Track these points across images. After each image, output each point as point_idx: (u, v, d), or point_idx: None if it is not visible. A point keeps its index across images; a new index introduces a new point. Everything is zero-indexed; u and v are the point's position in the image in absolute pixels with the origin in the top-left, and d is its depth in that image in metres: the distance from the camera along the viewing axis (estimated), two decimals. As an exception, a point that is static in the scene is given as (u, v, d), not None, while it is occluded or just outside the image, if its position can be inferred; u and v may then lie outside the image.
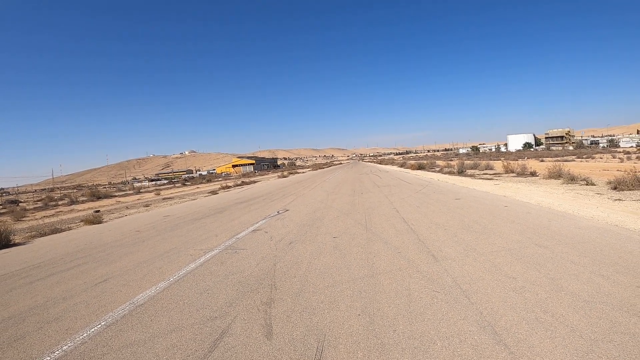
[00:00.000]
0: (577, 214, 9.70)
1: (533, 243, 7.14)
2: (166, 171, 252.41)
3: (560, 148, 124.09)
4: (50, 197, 62.52)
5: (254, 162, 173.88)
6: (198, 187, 55.60)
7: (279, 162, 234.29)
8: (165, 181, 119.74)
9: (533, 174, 22.70)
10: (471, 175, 26.56)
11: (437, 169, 39.83)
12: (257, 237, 9.95)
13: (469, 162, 40.25)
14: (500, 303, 4.52)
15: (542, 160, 44.57)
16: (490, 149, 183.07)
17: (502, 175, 24.96)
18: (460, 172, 30.03)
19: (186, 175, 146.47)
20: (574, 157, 56.00)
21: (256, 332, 4.34)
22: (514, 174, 24.33)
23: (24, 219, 26.32)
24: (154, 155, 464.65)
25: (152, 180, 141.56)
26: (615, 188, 13.38)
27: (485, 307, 4.43)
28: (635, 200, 10.74)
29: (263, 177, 73.61)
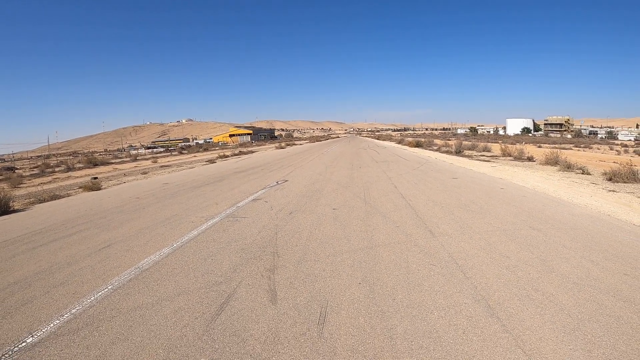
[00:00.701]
0: (572, 201, 9.90)
1: (527, 225, 7.35)
2: (163, 139, 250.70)
3: (559, 135, 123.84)
4: (46, 164, 62.12)
5: (251, 132, 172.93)
6: (195, 156, 55.52)
7: (276, 133, 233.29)
8: (162, 149, 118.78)
9: (530, 159, 22.84)
10: (468, 156, 26.71)
11: (435, 147, 39.96)
12: (258, 206, 10.14)
13: (467, 142, 40.32)
14: (494, 279, 4.74)
15: (539, 146, 44.52)
16: (489, 131, 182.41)
17: (500, 158, 25.11)
18: (458, 152, 30.18)
19: (183, 144, 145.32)
20: (571, 145, 56.05)
21: (261, 297, 4.55)
22: (511, 158, 24.45)
23: (21, 185, 26.06)
24: (150, 122, 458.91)
25: (149, 148, 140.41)
26: (610, 179, 13.54)
27: (479, 282, 4.66)
28: (628, 193, 10.90)
29: (260, 147, 73.56)
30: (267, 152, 50.68)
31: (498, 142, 51.63)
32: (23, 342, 3.87)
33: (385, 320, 3.87)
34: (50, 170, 46.41)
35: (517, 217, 8.05)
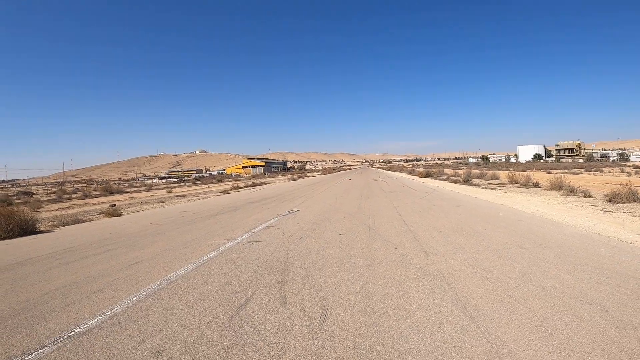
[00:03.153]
0: (566, 222, 10.52)
1: (516, 245, 8.03)
2: (176, 169, 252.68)
3: (570, 160, 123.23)
4: (63, 190, 63.54)
5: (263, 164, 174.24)
6: (209, 187, 56.43)
7: (288, 165, 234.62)
8: (176, 179, 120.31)
9: (536, 185, 23.36)
10: (476, 185, 27.25)
11: (445, 177, 40.50)
12: (271, 232, 10.94)
13: (475, 171, 40.99)
14: (474, 288, 5.45)
15: (549, 172, 44.89)
16: (500, 159, 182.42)
17: (506, 185, 25.61)
18: (466, 181, 30.73)
19: (196, 175, 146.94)
20: (582, 169, 56.12)
21: (273, 302, 5.37)
22: (517, 185, 24.95)
23: (40, 209, 26.92)
24: (164, 153, 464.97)
25: (162, 178, 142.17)
26: (610, 201, 13.99)
27: (461, 291, 5.38)
28: (625, 213, 11.45)
29: (273, 179, 74.41)
30: (279, 183, 51.55)
31: (509, 170, 52.01)
32: (72, 332, 4.72)
33: (375, 318, 4.63)
34: (67, 196, 47.49)
35: (509, 238, 8.71)
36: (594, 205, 13.42)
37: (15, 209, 15.40)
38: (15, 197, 46.01)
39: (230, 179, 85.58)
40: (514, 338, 3.99)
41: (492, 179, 32.04)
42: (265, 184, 51.64)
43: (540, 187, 22.46)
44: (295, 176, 72.10)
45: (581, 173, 45.12)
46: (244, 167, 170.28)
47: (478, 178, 33.83)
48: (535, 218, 11.50)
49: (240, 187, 42.36)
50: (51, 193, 60.06)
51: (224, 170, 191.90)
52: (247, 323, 4.72)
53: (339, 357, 3.81)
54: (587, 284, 5.47)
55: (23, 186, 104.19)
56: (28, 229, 13.86)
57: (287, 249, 8.73)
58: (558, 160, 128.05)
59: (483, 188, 24.06)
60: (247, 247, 9.12)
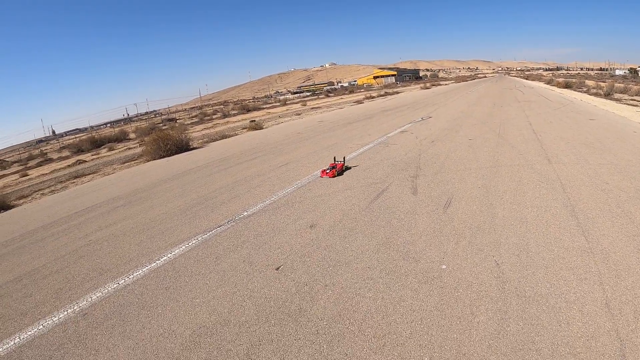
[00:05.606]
0: None
1: (641, 163, 7.87)
2: (307, 84, 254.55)
3: None
4: (203, 113, 67.76)
5: (395, 73, 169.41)
6: (342, 98, 57.18)
7: (420, 74, 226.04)
8: (308, 93, 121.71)
9: None
10: (617, 100, 25.11)
11: (585, 89, 37.65)
12: (405, 137, 11.86)
13: (619, 85, 37.20)
14: (586, 196, 5.87)
15: None
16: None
17: None
18: (607, 95, 28.32)
19: (328, 87, 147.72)
20: None
21: (406, 191, 6.45)
22: None
23: (186, 132, 29.55)
24: (295, 69, 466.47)
25: (295, 93, 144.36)
26: None
27: (573, 196, 5.85)
28: None
29: (405, 88, 73.36)
30: (412, 92, 51.19)
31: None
32: (241, 215, 6.30)
33: (492, 209, 5.46)
34: (208, 118, 50.62)
35: (635, 157, 8.37)
36: None
37: (171, 131, 17.61)
38: (161, 125, 49.48)
39: (362, 90, 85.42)
40: (610, 241, 4.44)
41: (636, 95, 29.45)
42: (398, 93, 51.48)
43: (694, 108, 20.41)
44: (427, 85, 70.42)
45: None
46: (375, 78, 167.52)
47: (621, 92, 31.12)
48: (677, 141, 10.65)
49: (373, 97, 42.78)
50: (193, 117, 64.07)
51: (355, 81, 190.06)
52: (383, 206, 5.85)
53: (456, 234, 4.74)
54: None
55: (165, 114, 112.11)
56: (183, 147, 16.05)
57: (419, 150, 9.64)
58: None
59: (624, 104, 21.98)
60: (383, 148, 10.16)
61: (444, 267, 4.08)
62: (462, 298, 3.55)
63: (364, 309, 3.52)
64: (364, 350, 3.03)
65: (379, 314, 3.45)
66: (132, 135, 37.49)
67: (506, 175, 7.10)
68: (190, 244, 5.34)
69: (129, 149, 22.87)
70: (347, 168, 8.57)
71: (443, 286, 3.75)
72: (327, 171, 8.08)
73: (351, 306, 3.59)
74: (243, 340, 3.24)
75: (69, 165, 22.48)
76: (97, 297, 4.23)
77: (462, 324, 3.22)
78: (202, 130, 29.27)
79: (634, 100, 25.41)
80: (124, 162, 15.65)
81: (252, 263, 4.56)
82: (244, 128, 21.57)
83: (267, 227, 5.57)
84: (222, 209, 6.73)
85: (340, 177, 7.83)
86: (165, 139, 15.75)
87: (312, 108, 35.31)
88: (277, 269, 4.34)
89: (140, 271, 4.72)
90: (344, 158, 8.78)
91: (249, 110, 51.49)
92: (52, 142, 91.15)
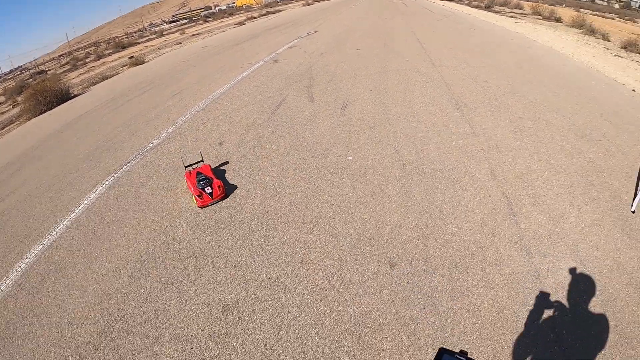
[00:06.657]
0: (572, 57, 10.88)
1: (516, 66, 8.80)
2: (183, 11, 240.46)
3: (605, 4, 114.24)
4: (75, 58, 61.57)
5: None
6: (222, 22, 54.52)
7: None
8: (185, 20, 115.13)
9: (558, 19, 22.63)
10: (497, 12, 26.45)
11: (467, 1, 39.32)
12: (293, 52, 11.83)
13: (499, -2, 39.54)
14: (468, 92, 6.54)
15: (578, 11, 42.56)
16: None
17: (529, 16, 24.61)
18: (487, 7, 29.71)
19: (205, 12, 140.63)
20: (614, 15, 52.84)
21: (303, 100, 6.67)
22: (540, 17, 24.41)
23: (60, 81, 27.01)
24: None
25: (171, 22, 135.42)
26: (625, 48, 13.53)
27: (457, 93, 6.48)
28: (634, 61, 11.25)
29: (287, 5, 71.75)
30: (294, 10, 50.11)
31: (535, 1, 49.58)
32: (147, 147, 6.07)
33: (384, 107, 5.89)
34: (81, 62, 46.28)
35: (511, 60, 9.40)
36: (607, 49, 13.30)
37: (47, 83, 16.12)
38: (31, 80, 44.39)
39: (242, 12, 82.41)
40: (491, 126, 5.14)
41: (515, 8, 31.05)
42: (280, 11, 50.34)
43: (562, 22, 21.94)
44: (310, 1, 69.51)
45: (612, 19, 42.82)
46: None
47: (501, 5, 32.88)
48: (544, 48, 11.85)
49: (255, 18, 41.46)
50: (64, 65, 58.14)
51: (234, 3, 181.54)
52: (284, 115, 6.08)
53: (356, 131, 5.10)
54: (567, 103, 6.31)
55: (32, 68, 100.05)
56: (64, 96, 14.64)
57: (309, 63, 9.77)
58: (592, 1, 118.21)
59: (504, 16, 23.59)
60: (274, 65, 10.16)
61: (350, 158, 4.47)
62: (371, 180, 4.01)
63: (288, 204, 3.87)
64: (297, 234, 3.41)
65: (301, 204, 3.83)
66: (1, 99, 33.75)
67: (395, 78, 7.55)
68: (104, 185, 5.06)
69: (2, 113, 20.92)
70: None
71: (352, 173, 4.18)
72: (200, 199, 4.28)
73: (275, 203, 3.90)
74: (186, 254, 3.38)
75: None
76: (26, 263, 3.87)
77: (375, 200, 3.71)
78: (78, 76, 26.91)
79: (513, 12, 26.97)
80: (3, 128, 14.29)
81: (172, 187, 4.58)
82: (124, 66, 20.03)
83: (177, 152, 5.57)
84: (126, 146, 6.34)
85: (237, 95, 7.81)
86: (43, 91, 14.55)
87: (193, 35, 33.63)
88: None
89: (62, 225, 4.37)
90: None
91: (124, 47, 47.39)
92: None
